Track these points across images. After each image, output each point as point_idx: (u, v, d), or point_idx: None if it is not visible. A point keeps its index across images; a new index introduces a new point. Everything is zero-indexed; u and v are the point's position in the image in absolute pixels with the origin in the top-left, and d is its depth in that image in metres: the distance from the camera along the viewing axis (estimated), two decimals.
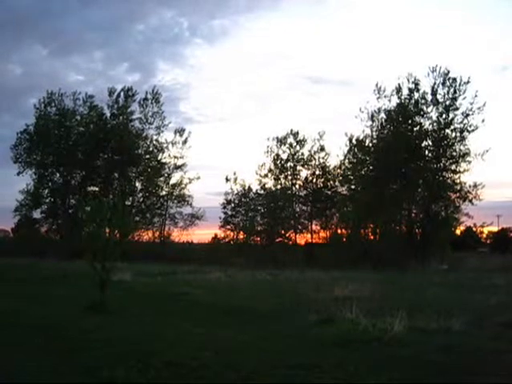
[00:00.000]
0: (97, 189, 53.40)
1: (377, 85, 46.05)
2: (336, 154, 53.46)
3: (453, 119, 43.75)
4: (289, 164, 55.39)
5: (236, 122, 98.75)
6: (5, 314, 11.25)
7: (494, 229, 72.88)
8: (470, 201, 43.72)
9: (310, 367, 7.25)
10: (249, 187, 56.22)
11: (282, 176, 55.53)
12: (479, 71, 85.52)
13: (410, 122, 45.30)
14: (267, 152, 55.39)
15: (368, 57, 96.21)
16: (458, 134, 43.77)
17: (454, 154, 44.14)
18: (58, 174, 53.84)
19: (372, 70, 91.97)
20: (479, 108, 42.60)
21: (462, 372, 7.28)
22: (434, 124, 44.60)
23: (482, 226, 55.02)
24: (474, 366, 7.59)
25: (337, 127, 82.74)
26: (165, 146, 54.61)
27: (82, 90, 55.08)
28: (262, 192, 56.19)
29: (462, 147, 43.85)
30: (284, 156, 55.38)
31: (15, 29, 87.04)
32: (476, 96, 42.70)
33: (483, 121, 42.69)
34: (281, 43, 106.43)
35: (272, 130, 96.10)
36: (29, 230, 54.05)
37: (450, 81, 43.53)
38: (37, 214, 54.13)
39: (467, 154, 43.50)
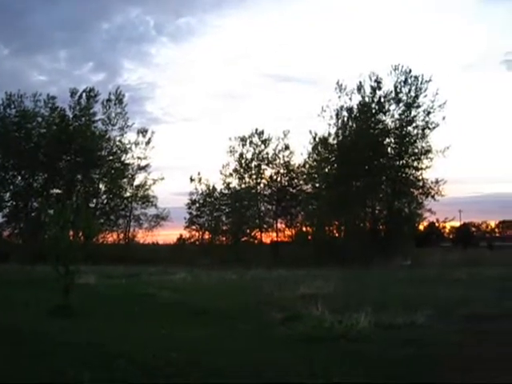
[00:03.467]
0: (60, 191, 52.50)
1: (338, 82, 46.62)
2: (300, 153, 53.87)
3: (415, 117, 44.49)
4: (253, 163, 55.54)
5: (202, 121, 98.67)
6: None
7: (456, 224, 74.43)
8: (433, 197, 44.48)
9: (276, 364, 7.28)
10: (213, 187, 56.33)
11: (247, 175, 55.69)
12: (442, 69, 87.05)
13: (372, 119, 45.80)
14: (230, 152, 55.59)
15: (333, 55, 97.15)
16: (420, 132, 44.60)
17: (416, 150, 44.91)
18: (19, 177, 52.98)
19: (338, 68, 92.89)
20: (440, 106, 43.54)
21: (427, 365, 7.39)
22: (397, 122, 45.24)
23: (445, 222, 56.63)
24: (438, 359, 7.70)
25: (302, 125, 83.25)
26: (128, 146, 54.37)
27: (45, 90, 54.69)
28: (227, 191, 56.27)
29: (423, 144, 44.73)
30: (248, 155, 55.59)
31: None
32: (437, 94, 43.60)
33: (444, 118, 43.62)
34: (247, 41, 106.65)
35: (238, 129, 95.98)
36: None
37: (412, 79, 44.24)
38: None
39: (429, 150, 44.29)
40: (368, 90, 45.63)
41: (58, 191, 52.69)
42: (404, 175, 45.86)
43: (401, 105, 44.65)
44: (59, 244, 14.50)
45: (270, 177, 55.97)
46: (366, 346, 8.44)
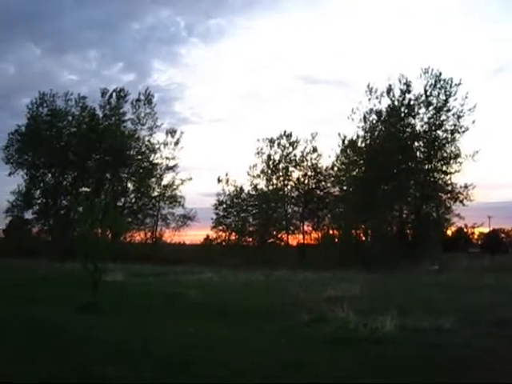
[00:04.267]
0: (89, 189, 53.15)
1: (368, 85, 46.33)
2: (328, 155, 53.66)
3: (444, 120, 44.01)
4: (281, 165, 55.50)
5: (230, 122, 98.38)
6: None
7: (485, 230, 73.19)
8: (461, 201, 43.94)
9: (301, 365, 7.31)
10: (241, 188, 56.37)
11: (274, 177, 55.65)
12: (472, 73, 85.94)
13: (401, 123, 45.48)
14: (258, 153, 55.64)
15: (363, 57, 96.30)
16: (449, 135, 44.05)
17: (445, 155, 44.42)
18: (49, 175, 53.67)
19: (367, 71, 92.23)
20: (470, 109, 42.95)
21: (452, 369, 7.36)
22: (426, 125, 44.84)
23: (473, 227, 55.57)
24: (463, 363, 7.67)
25: (331, 128, 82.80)
26: (157, 146, 54.78)
27: (76, 89, 55.27)
28: (254, 193, 56.29)
29: (453, 148, 44.22)
30: (276, 157, 55.57)
31: (8, 28, 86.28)
32: (467, 97, 43.02)
33: (474, 122, 43.00)
34: (277, 43, 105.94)
35: (266, 131, 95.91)
36: (20, 230, 53.84)
37: (442, 82, 43.81)
38: (28, 215, 54.05)
39: (458, 155, 43.82)
40: (397, 93, 45.33)
41: (86, 189, 53.38)
42: (432, 179, 45.44)
43: (430, 108, 44.25)
44: (88, 241, 14.71)
45: (298, 179, 55.90)
46: (391, 349, 8.43)
